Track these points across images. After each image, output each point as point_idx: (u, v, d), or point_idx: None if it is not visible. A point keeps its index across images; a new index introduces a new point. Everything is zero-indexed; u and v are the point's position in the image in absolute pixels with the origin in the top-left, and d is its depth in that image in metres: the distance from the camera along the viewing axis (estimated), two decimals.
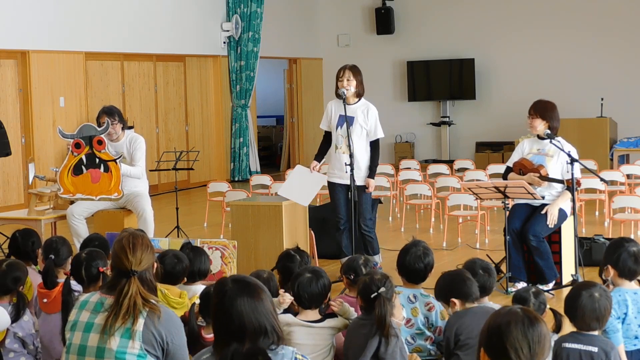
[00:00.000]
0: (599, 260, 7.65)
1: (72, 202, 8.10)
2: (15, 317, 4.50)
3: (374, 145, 7.57)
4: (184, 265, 5.07)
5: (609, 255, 4.52)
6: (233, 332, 2.91)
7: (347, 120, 7.40)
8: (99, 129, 7.66)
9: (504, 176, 7.48)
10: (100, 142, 7.59)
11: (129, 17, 13.91)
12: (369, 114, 7.53)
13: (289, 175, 8.14)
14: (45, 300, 4.76)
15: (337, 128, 7.56)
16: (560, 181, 7.06)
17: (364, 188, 7.55)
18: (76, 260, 4.68)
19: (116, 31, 13.64)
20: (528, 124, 7.33)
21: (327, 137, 7.74)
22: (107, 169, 7.60)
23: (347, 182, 7.44)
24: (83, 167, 7.64)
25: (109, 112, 8.09)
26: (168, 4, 14.80)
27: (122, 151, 8.03)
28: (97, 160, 7.61)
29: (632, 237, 9.22)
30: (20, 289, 4.64)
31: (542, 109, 7.25)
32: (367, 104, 7.60)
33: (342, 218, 7.57)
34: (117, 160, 7.61)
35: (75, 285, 4.64)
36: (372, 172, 7.52)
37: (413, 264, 4.80)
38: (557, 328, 4.10)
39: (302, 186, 7.71)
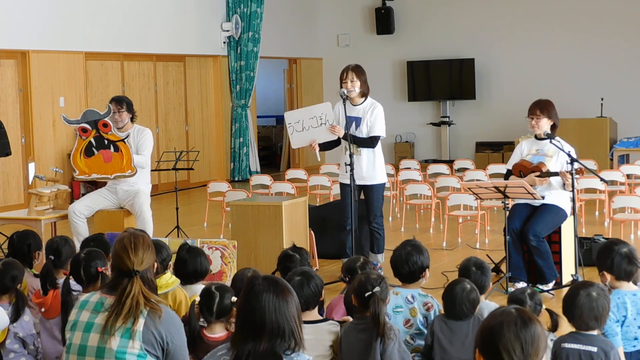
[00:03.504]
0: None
1: (72, 201, 8.11)
2: (15, 316, 4.50)
3: (371, 137, 7.55)
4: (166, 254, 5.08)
5: (602, 262, 4.48)
6: (252, 329, 2.92)
7: (347, 121, 7.40)
8: (101, 113, 7.77)
9: (505, 179, 7.47)
10: (105, 125, 7.74)
11: (129, 17, 13.92)
12: (374, 111, 7.53)
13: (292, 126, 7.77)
14: (43, 309, 4.77)
15: (345, 129, 7.51)
16: (562, 171, 7.02)
17: (377, 186, 7.57)
18: (75, 260, 4.68)
19: (116, 31, 13.64)
20: (531, 125, 7.28)
21: (337, 139, 7.67)
22: (117, 149, 7.77)
23: (360, 182, 7.49)
24: (94, 149, 7.80)
25: (118, 100, 8.18)
26: (168, 4, 14.80)
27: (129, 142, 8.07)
28: (106, 141, 7.74)
29: (631, 237, 9.28)
30: (17, 287, 4.64)
31: (547, 109, 7.25)
32: (373, 103, 7.61)
33: (349, 218, 7.56)
34: (125, 140, 7.72)
35: (74, 285, 4.64)
36: (349, 147, 7.34)
37: (398, 266, 4.80)
38: (554, 328, 4.09)
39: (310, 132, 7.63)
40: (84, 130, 7.77)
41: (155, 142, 14.43)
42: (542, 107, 7.26)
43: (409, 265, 4.77)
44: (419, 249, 4.83)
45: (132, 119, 8.19)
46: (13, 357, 4.53)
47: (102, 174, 7.83)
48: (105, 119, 7.74)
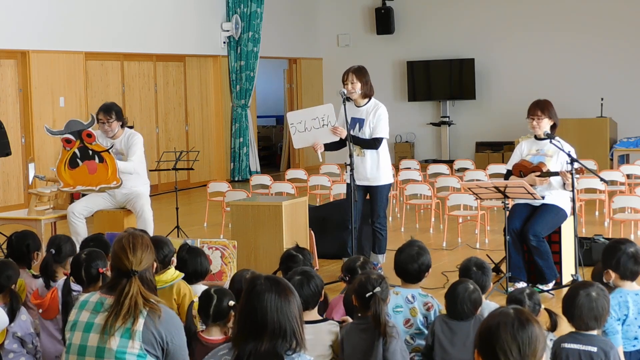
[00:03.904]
0: (599, 260, 7.71)
1: (72, 201, 8.10)
2: (11, 316, 4.49)
3: (374, 138, 7.55)
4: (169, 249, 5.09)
5: (608, 260, 4.48)
6: (254, 328, 2.92)
7: (346, 121, 7.41)
8: (85, 123, 7.68)
9: (505, 179, 7.47)
10: (89, 135, 7.62)
11: (129, 17, 13.92)
12: (377, 113, 7.53)
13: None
14: (41, 310, 4.78)
15: (350, 130, 7.51)
16: (562, 171, 7.02)
17: (381, 188, 7.57)
18: (76, 261, 4.68)
19: (116, 31, 13.64)
20: (532, 126, 7.27)
21: (341, 139, 7.68)
22: (101, 160, 7.65)
23: (364, 183, 7.48)
24: (78, 160, 7.68)
25: (106, 109, 8.03)
26: (168, 4, 14.80)
27: (121, 148, 8.03)
28: (91, 152, 7.64)
29: (632, 237, 9.28)
30: (12, 287, 4.64)
31: (548, 109, 7.25)
32: (377, 104, 7.61)
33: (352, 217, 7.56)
34: (110, 150, 7.62)
35: (74, 285, 4.65)
36: (352, 137, 7.37)
37: (407, 265, 4.80)
38: (553, 328, 4.10)
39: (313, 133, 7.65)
40: (68, 141, 7.66)
41: (155, 142, 14.51)
42: (542, 108, 7.26)
43: (418, 264, 4.79)
44: (425, 250, 4.88)
45: (122, 125, 8.13)
46: (12, 357, 4.53)
47: (86, 185, 7.71)
48: (89, 129, 7.64)
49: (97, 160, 7.66)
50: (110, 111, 8.01)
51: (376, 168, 7.57)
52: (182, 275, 4.97)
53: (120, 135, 8.09)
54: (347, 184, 7.66)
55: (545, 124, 7.23)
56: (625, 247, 4.46)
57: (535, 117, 7.24)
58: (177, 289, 4.85)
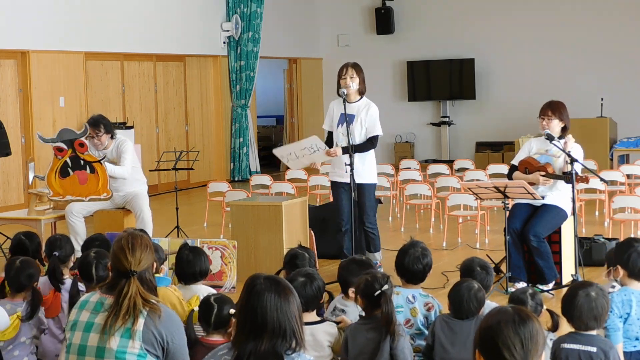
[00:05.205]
0: (599, 260, 7.72)
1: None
2: (31, 314, 4.50)
3: (371, 138, 7.56)
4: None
5: (619, 256, 4.50)
6: (253, 328, 2.92)
7: (346, 119, 7.41)
8: (77, 133, 7.65)
9: (509, 174, 7.48)
10: (82, 145, 7.56)
11: (129, 17, 13.92)
12: (370, 111, 7.55)
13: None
14: (43, 308, 4.78)
15: (338, 126, 7.57)
16: (568, 176, 7.01)
17: (367, 186, 7.56)
18: (85, 260, 4.69)
19: (116, 31, 13.64)
20: (542, 126, 7.25)
21: (330, 137, 7.73)
22: (92, 170, 7.60)
23: (348, 180, 7.46)
24: (69, 170, 7.63)
25: (94, 123, 8.01)
26: (168, 4, 14.80)
27: (113, 157, 8.03)
28: (82, 162, 7.59)
29: (631, 237, 9.27)
30: (34, 285, 4.64)
31: (559, 110, 7.24)
32: (368, 102, 7.64)
33: (344, 219, 7.56)
34: (102, 161, 7.59)
35: (80, 286, 4.66)
36: (349, 149, 7.32)
37: (412, 265, 4.81)
38: (554, 328, 4.10)
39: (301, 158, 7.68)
40: (60, 149, 7.62)
41: (155, 142, 14.52)
42: (554, 109, 7.25)
43: (423, 265, 4.80)
44: (428, 250, 4.90)
45: (111, 137, 8.10)
46: (17, 355, 4.53)
47: (76, 195, 7.67)
48: (82, 139, 7.60)
49: (88, 170, 7.59)
50: (99, 125, 7.98)
51: (362, 166, 7.51)
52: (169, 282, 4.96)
53: (110, 146, 8.09)
54: (333, 182, 7.67)
55: (555, 125, 7.21)
56: (638, 245, 4.48)
57: (545, 117, 7.23)
58: (162, 298, 4.81)
